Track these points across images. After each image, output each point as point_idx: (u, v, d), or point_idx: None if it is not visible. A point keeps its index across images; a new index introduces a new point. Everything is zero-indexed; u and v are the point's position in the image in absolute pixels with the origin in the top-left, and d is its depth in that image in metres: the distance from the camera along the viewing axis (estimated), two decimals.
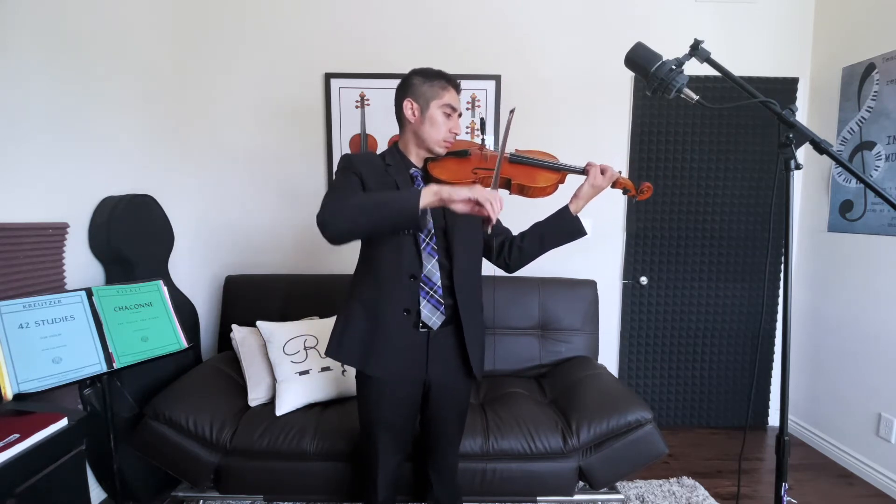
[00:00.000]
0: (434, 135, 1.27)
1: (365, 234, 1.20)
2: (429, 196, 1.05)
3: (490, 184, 1.26)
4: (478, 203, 1.03)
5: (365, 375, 1.30)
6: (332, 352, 1.31)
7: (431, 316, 1.28)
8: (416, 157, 1.32)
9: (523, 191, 1.32)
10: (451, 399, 1.39)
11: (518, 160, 1.34)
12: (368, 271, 1.30)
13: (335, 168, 1.29)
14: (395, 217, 1.07)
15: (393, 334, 1.26)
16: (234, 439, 1.69)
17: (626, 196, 1.38)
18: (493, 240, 1.41)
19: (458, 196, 1.03)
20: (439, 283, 1.28)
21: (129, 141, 2.06)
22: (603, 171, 1.29)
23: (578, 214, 1.33)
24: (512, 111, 1.21)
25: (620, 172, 1.32)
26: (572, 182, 1.36)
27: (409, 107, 1.27)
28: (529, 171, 1.33)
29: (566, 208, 1.34)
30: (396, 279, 1.25)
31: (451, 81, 1.28)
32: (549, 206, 1.43)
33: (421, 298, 1.27)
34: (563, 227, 1.34)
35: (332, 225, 1.09)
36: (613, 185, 1.33)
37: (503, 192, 1.29)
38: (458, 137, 1.32)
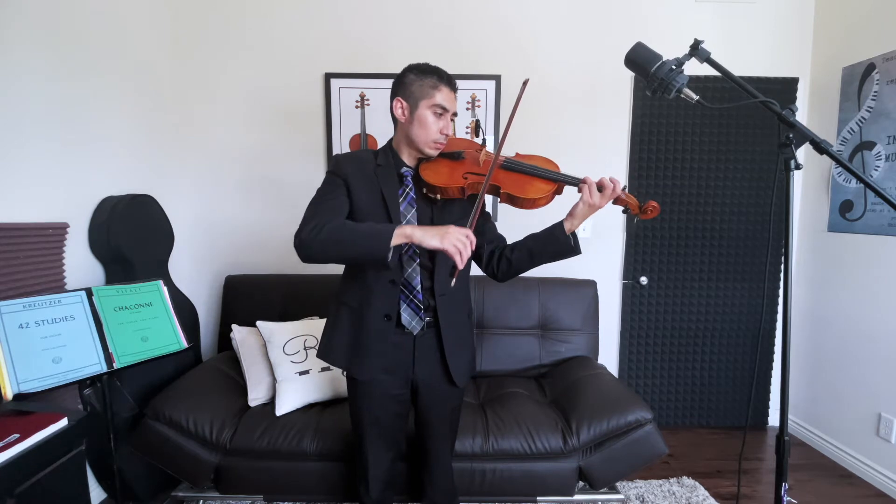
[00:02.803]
0: (423, 136, 1.22)
1: (336, 262, 1.20)
2: (399, 238, 1.09)
3: (477, 190, 1.22)
4: (448, 251, 1.07)
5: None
6: (321, 353, 1.34)
7: (411, 320, 1.27)
8: (408, 156, 1.29)
9: (512, 201, 1.24)
10: (439, 400, 1.37)
11: (512, 167, 1.26)
12: (353, 276, 1.30)
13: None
14: (365, 257, 1.11)
15: (376, 339, 1.26)
16: (234, 439, 1.69)
17: (626, 215, 1.25)
18: (484, 247, 1.35)
19: (429, 243, 1.07)
20: (419, 288, 1.26)
21: (129, 141, 2.06)
22: (601, 188, 1.18)
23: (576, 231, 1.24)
24: (525, 82, 1.19)
25: (625, 188, 1.21)
26: (571, 194, 1.25)
27: (398, 106, 1.23)
28: (521, 181, 1.24)
29: (560, 226, 1.24)
30: (377, 284, 1.25)
31: (444, 79, 1.21)
32: (551, 214, 1.37)
33: (401, 303, 1.26)
34: (554, 246, 1.25)
35: (306, 249, 1.13)
36: (614, 202, 1.22)
37: (492, 198, 1.26)
38: (456, 136, 1.30)
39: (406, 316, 1.26)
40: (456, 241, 1.06)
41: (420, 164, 1.28)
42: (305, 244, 1.13)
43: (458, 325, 1.34)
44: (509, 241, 1.37)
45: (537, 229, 1.31)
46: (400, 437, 1.43)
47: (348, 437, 1.68)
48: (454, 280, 1.12)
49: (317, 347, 1.92)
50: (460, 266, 1.08)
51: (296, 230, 1.15)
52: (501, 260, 1.33)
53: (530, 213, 1.34)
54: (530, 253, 1.29)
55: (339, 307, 1.32)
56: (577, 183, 1.22)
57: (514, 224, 1.51)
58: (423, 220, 1.27)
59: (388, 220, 1.22)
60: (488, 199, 1.44)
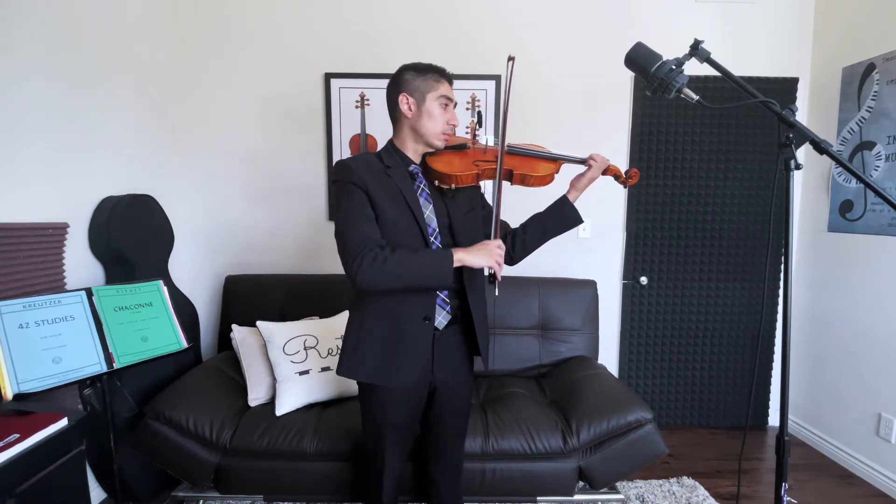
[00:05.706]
0: (433, 128, 1.25)
1: (397, 291, 1.22)
2: (456, 264, 1.17)
3: (490, 175, 1.29)
4: (493, 266, 1.18)
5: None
6: (345, 370, 1.27)
7: (437, 316, 1.27)
8: (413, 153, 1.30)
9: (524, 180, 1.34)
10: (455, 398, 1.38)
11: (516, 151, 1.36)
12: None
13: (331, 172, 1.27)
14: (432, 284, 1.20)
15: (412, 343, 1.25)
16: (234, 439, 1.69)
17: (617, 182, 1.43)
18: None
19: (479, 263, 1.18)
20: None
21: (130, 141, 2.06)
22: (595, 160, 1.35)
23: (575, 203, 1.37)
24: (511, 59, 1.27)
25: (609, 161, 1.37)
26: (566, 172, 1.39)
27: (404, 102, 1.25)
28: (529, 161, 1.35)
29: (565, 198, 1.37)
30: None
31: (443, 73, 1.27)
32: (547, 197, 1.45)
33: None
34: (564, 217, 1.37)
35: (369, 285, 1.15)
36: (604, 173, 1.38)
37: (504, 183, 1.31)
38: (455, 130, 1.31)
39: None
40: (497, 256, 1.19)
41: (426, 159, 1.30)
42: (370, 278, 1.13)
43: (483, 315, 1.37)
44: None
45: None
46: (412, 439, 1.44)
47: (348, 436, 1.68)
48: (497, 289, 1.24)
49: (316, 347, 1.93)
50: (499, 276, 1.21)
51: (347, 259, 1.14)
52: (515, 242, 1.40)
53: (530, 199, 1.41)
54: (543, 229, 1.39)
55: (365, 315, 1.27)
56: (577, 160, 1.37)
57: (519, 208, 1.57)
58: (438, 213, 1.29)
59: (414, 220, 1.23)
60: (487, 196, 1.49)
